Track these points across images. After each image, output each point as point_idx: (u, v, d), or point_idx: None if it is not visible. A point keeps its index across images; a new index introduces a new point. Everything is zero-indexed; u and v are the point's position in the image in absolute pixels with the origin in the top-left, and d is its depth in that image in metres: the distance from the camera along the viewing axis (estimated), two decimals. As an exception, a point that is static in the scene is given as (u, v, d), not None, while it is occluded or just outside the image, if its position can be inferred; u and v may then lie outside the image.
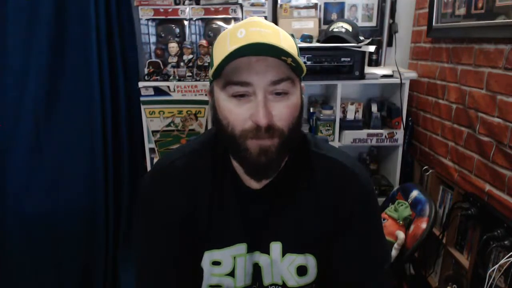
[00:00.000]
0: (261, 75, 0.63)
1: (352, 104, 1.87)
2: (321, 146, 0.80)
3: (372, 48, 1.69)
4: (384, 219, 1.46)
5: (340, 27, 1.73)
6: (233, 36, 0.65)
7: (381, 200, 1.70)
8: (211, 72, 0.66)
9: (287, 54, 0.61)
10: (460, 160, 1.55)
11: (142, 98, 1.76)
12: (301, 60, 0.64)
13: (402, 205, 1.45)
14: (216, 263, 0.76)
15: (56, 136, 1.73)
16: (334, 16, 2.00)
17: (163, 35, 1.86)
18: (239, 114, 0.65)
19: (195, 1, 1.76)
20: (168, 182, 0.76)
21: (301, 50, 0.71)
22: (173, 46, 1.78)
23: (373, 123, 1.87)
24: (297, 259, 0.76)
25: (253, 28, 0.65)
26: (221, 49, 0.65)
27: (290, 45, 0.66)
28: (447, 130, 1.64)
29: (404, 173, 1.94)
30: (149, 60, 1.81)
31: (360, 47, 1.66)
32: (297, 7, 1.91)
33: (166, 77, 1.78)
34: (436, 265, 1.73)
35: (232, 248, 0.76)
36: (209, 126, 1.83)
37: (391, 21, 1.98)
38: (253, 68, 0.63)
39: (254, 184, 0.74)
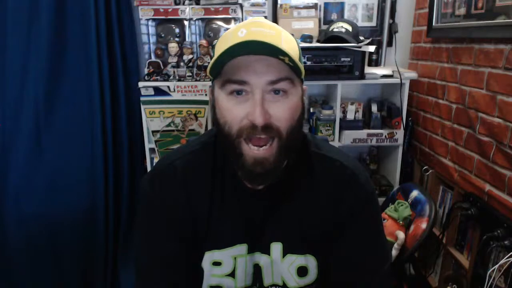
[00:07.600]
0: (260, 75, 0.63)
1: (352, 104, 1.87)
2: (321, 146, 0.80)
3: (372, 48, 1.69)
4: (384, 219, 1.46)
5: (340, 27, 1.73)
6: (234, 35, 0.65)
7: (381, 200, 1.70)
8: (208, 68, 0.66)
9: (283, 53, 0.60)
10: (460, 160, 1.55)
11: (142, 98, 1.76)
12: (299, 62, 0.64)
13: (402, 205, 1.45)
14: (216, 263, 0.76)
15: (56, 136, 1.74)
16: (334, 16, 2.00)
17: (163, 35, 1.87)
18: (236, 112, 0.65)
19: (195, 1, 1.76)
20: (168, 182, 0.76)
21: (301, 50, 0.71)
22: (173, 46, 1.78)
23: (373, 123, 1.87)
24: (298, 260, 0.76)
25: (254, 28, 0.65)
26: (221, 48, 0.65)
27: (291, 47, 0.66)
28: (447, 130, 1.64)
29: (404, 173, 1.94)
30: (149, 60, 1.81)
31: (360, 47, 1.66)
32: (297, 7, 1.90)
33: (166, 77, 1.78)
34: (436, 265, 1.73)
35: (232, 248, 0.76)
36: (209, 126, 1.83)
37: (391, 21, 1.98)
38: (251, 67, 0.63)
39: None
